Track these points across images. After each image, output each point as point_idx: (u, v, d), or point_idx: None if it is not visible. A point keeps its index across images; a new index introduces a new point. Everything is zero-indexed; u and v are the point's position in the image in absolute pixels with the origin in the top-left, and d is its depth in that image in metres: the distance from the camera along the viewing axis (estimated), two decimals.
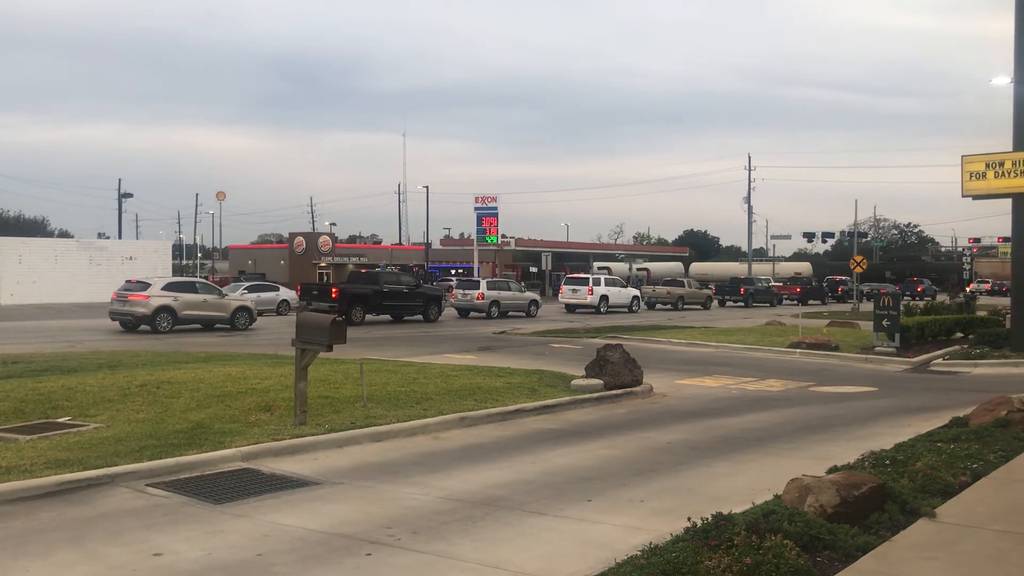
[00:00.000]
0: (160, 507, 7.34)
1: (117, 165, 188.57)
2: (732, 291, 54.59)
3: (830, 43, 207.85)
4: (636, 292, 46.07)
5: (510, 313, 38.48)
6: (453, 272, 68.44)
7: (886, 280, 68.45)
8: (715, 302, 51.81)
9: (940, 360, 20.67)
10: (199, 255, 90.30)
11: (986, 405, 10.50)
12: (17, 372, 14.76)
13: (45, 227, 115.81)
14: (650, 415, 12.63)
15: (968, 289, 56.94)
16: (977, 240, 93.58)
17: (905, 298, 39.86)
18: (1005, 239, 63.47)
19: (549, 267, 64.24)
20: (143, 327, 26.93)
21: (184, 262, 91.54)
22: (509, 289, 40.01)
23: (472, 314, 38.06)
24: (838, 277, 65.50)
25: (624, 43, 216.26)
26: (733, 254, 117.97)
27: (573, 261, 78.57)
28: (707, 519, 5.86)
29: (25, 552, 6.16)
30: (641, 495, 7.82)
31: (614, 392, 13.95)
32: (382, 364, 16.38)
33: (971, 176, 21.61)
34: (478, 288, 38.33)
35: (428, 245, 78.85)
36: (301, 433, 9.94)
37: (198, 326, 28.23)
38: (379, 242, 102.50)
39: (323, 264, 73.29)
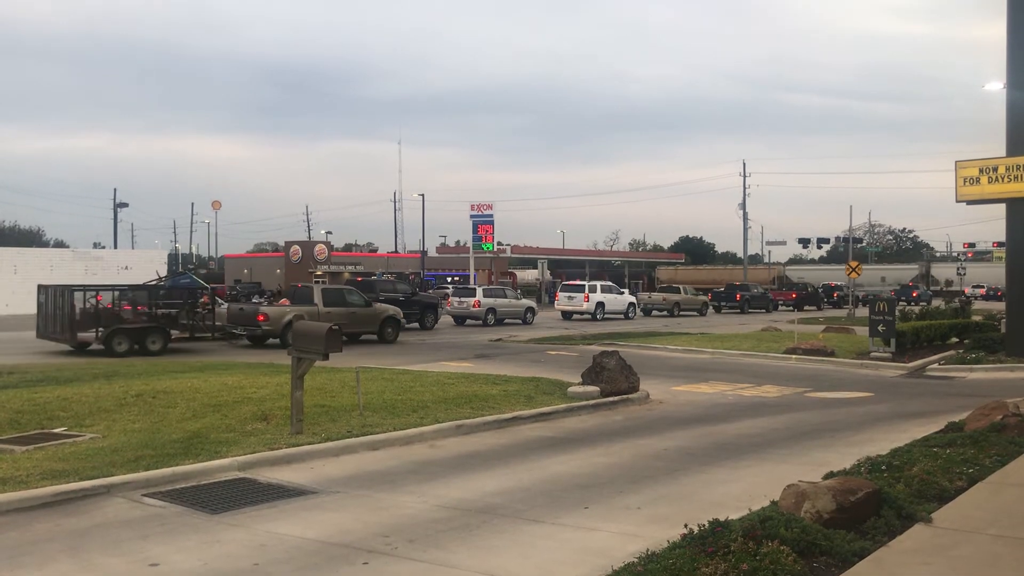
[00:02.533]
0: (156, 517, 7.33)
1: (112, 175, 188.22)
2: (728, 297, 54.67)
3: (824, 49, 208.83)
4: (632, 299, 46.11)
5: (506, 320, 38.45)
6: (449, 280, 68.48)
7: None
8: (711, 308, 51.88)
9: (936, 365, 20.71)
10: (195, 264, 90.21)
11: (982, 410, 10.52)
12: (12, 383, 14.71)
13: (40, 237, 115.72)
14: (646, 422, 12.63)
15: (964, 293, 57.14)
16: (972, 245, 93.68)
17: (901, 303, 39.93)
18: (1000, 244, 63.70)
19: (545, 275, 64.32)
20: None
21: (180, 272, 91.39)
22: (505, 296, 40.00)
23: (468, 322, 38.02)
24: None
25: (618, 49, 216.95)
26: (729, 260, 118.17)
27: (569, 268, 78.65)
28: (704, 526, 5.86)
29: (21, 563, 6.15)
30: (638, 502, 7.83)
31: (611, 399, 13.96)
32: (378, 372, 16.38)
33: (965, 181, 21.69)
34: (474, 296, 38.32)
35: (424, 253, 78.80)
36: (297, 442, 9.93)
37: None
38: (375, 250, 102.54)
39: (319, 272, 73.27)
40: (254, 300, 33.73)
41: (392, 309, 28.23)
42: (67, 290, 22.52)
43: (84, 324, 22.30)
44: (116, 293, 24.07)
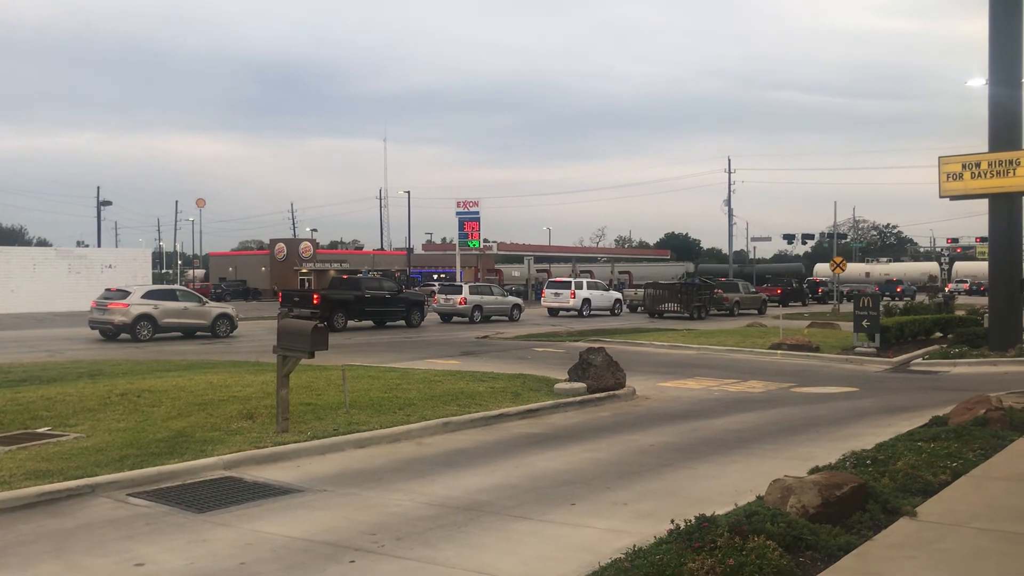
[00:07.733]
0: (142, 517, 7.29)
1: (95, 173, 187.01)
2: None
3: (808, 46, 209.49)
4: (618, 295, 46.20)
5: (493, 317, 38.47)
6: (435, 277, 68.43)
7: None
8: None
9: (920, 360, 20.84)
10: (179, 262, 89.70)
11: (965, 404, 10.60)
12: None
13: (23, 236, 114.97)
14: (633, 418, 12.65)
15: (947, 289, 57.54)
16: (955, 240, 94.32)
17: (885, 299, 40.19)
18: (983, 239, 64.10)
19: (532, 271, 64.30)
20: (123, 336, 26.73)
21: (164, 270, 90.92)
22: (491, 293, 39.99)
23: (455, 319, 38.02)
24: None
25: (603, 47, 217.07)
26: (715, 256, 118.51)
27: (556, 264, 78.66)
28: (690, 521, 5.87)
29: (4, 565, 6.10)
30: (625, 498, 7.84)
31: (597, 395, 13.97)
32: (365, 370, 16.34)
33: (948, 177, 21.82)
34: (460, 293, 38.28)
35: (410, 250, 78.66)
36: (283, 440, 9.89)
37: (179, 334, 28.06)
38: (361, 247, 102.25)
39: (304, 270, 73.14)
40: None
41: (740, 294, 45.48)
42: (671, 285, 44.32)
43: (677, 302, 40.49)
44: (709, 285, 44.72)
